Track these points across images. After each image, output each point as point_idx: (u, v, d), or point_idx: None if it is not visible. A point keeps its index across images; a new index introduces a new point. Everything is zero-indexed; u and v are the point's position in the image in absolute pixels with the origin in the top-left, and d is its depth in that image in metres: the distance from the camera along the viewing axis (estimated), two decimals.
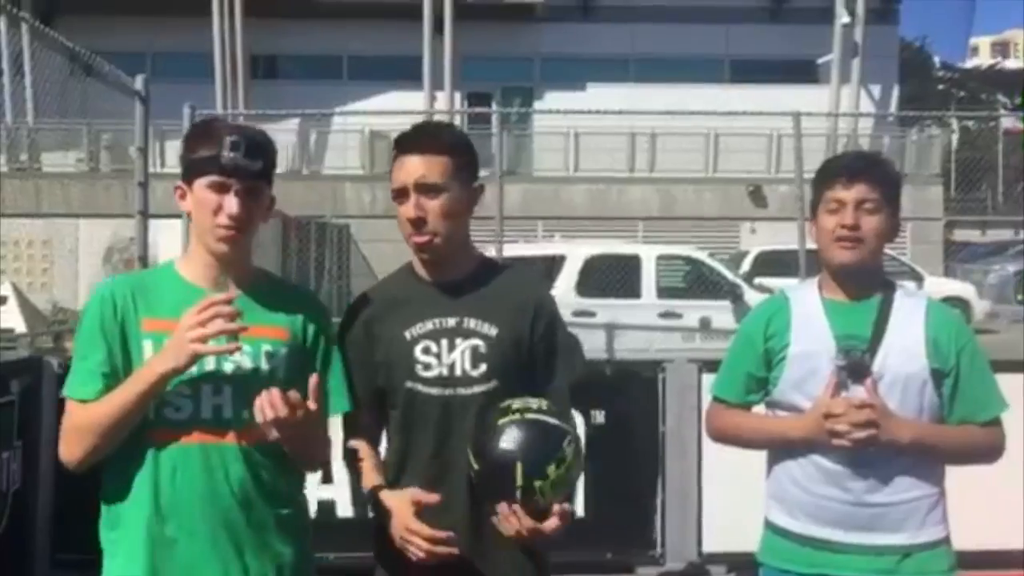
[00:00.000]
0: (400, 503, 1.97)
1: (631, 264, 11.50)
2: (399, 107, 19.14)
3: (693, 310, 11.13)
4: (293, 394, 1.83)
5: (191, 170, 1.95)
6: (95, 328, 1.91)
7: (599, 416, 4.44)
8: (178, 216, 7.79)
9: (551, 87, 23.93)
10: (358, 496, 4.41)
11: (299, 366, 1.98)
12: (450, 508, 2.01)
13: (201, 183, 1.93)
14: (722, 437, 2.44)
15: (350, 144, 21.16)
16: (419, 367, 2.06)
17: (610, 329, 10.21)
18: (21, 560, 4.40)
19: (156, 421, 1.89)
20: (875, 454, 2.14)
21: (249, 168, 1.92)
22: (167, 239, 9.21)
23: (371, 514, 2.13)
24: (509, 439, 1.88)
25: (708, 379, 4.54)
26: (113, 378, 1.89)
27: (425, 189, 2.05)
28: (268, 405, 1.79)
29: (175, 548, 1.90)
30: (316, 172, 21.48)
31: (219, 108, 19.94)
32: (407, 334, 2.06)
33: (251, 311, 1.96)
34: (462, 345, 2.06)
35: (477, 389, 2.06)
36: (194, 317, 1.81)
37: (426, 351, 2.06)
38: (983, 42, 67.35)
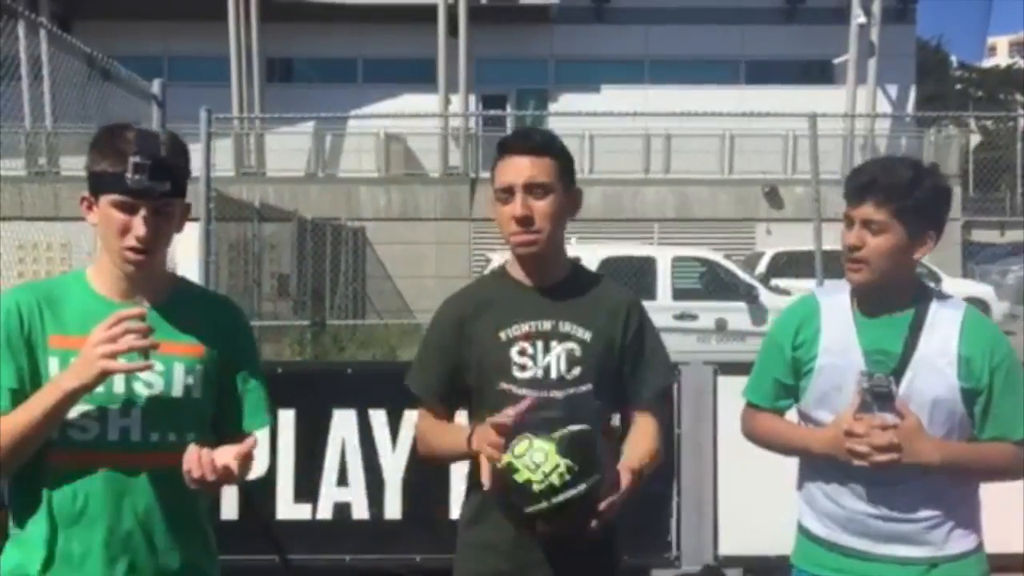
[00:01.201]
0: (484, 427, 1.97)
1: (646, 266, 11.49)
2: (414, 110, 19.24)
3: (709, 312, 11.11)
4: (221, 458, 1.76)
5: (96, 185, 1.85)
6: (1, 342, 1.82)
7: (614, 418, 4.44)
8: (195, 220, 7.85)
9: (566, 89, 23.94)
10: (373, 497, 4.45)
11: (214, 383, 1.94)
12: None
13: (106, 200, 1.84)
14: (753, 440, 2.42)
15: (365, 147, 21.23)
16: (515, 368, 2.09)
17: None
18: None
19: (60, 442, 1.81)
20: (902, 473, 2.09)
21: (155, 190, 1.82)
22: (184, 242, 9.28)
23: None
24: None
25: (724, 381, 4.56)
26: (21, 394, 1.80)
27: (533, 189, 2.08)
28: (196, 467, 1.75)
29: (71, 567, 1.83)
30: (331, 175, 21.56)
31: (235, 111, 20.06)
32: (503, 335, 2.09)
33: (163, 326, 1.87)
34: (557, 348, 2.09)
35: (571, 391, 2.09)
36: (104, 333, 1.72)
37: (522, 352, 2.09)
38: (1001, 42, 66.83)
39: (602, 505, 1.90)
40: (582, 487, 1.86)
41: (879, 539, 2.15)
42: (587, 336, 2.11)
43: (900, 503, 2.12)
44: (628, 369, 2.17)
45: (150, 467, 1.85)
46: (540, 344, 2.09)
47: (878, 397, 2.09)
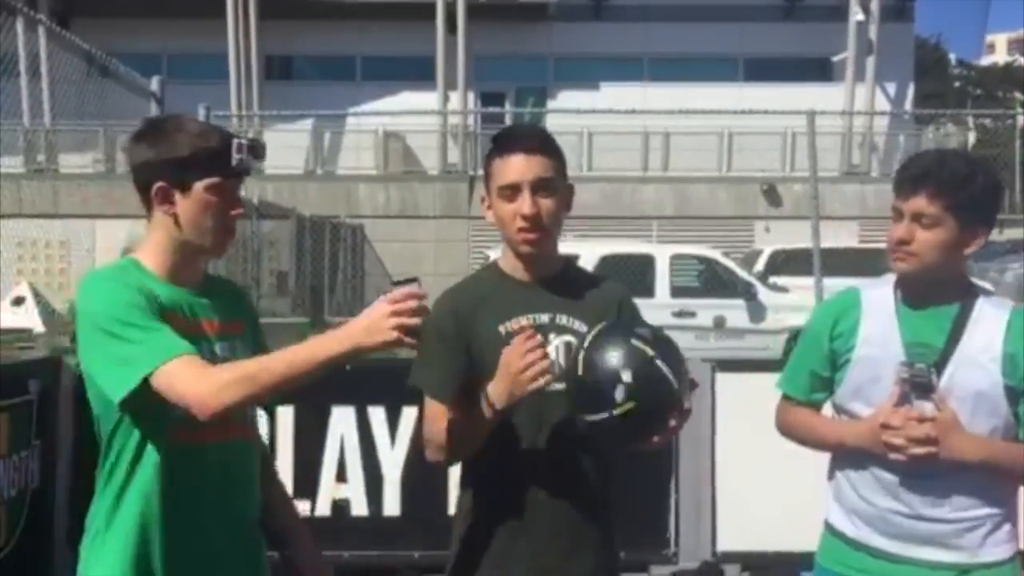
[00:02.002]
0: (499, 376, 1.96)
1: (645, 263, 11.51)
2: (413, 107, 19.23)
3: (707, 309, 11.13)
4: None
5: (188, 171, 1.87)
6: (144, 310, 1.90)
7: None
8: None
9: (564, 87, 23.93)
10: (372, 494, 4.46)
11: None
12: (538, 501, 2.06)
13: (203, 184, 1.88)
14: (786, 434, 2.36)
15: (364, 144, 21.23)
16: None
17: None
18: (39, 558, 4.44)
19: (172, 419, 1.85)
20: (939, 468, 2.04)
21: (252, 169, 1.94)
22: None
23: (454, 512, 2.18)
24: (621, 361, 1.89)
25: (722, 378, 4.58)
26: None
27: (540, 187, 2.09)
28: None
29: (199, 541, 1.90)
30: (330, 172, 21.56)
31: (233, 109, 20.04)
32: (501, 329, 2.09)
33: (215, 308, 1.96)
34: (556, 341, 2.10)
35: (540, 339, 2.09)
36: (395, 305, 1.72)
37: None
38: (1000, 39, 66.82)
39: (672, 422, 1.93)
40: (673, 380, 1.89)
41: (910, 540, 2.09)
42: (584, 328, 2.11)
43: (935, 501, 2.07)
44: None
45: (233, 439, 1.95)
46: (539, 337, 2.08)
47: (917, 388, 2.05)
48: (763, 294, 11.23)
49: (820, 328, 2.24)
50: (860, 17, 22.63)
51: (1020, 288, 19.42)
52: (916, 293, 2.15)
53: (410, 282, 1.77)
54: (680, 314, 11.11)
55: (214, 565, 1.92)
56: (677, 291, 11.52)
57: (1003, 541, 2.11)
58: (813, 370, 2.25)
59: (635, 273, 11.24)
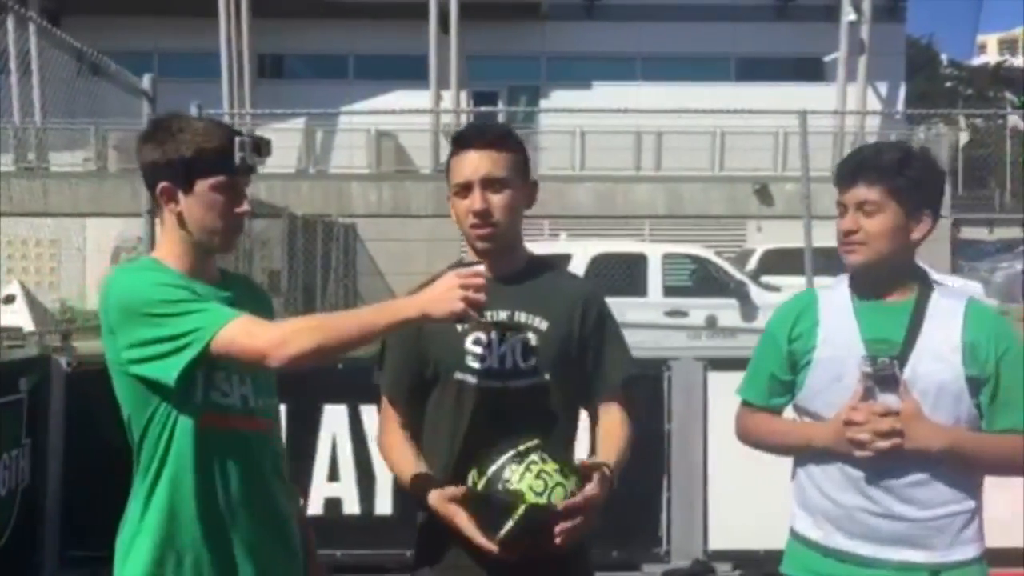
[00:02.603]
0: (448, 508, 1.99)
1: (637, 262, 11.52)
2: (405, 106, 19.19)
3: (699, 308, 11.14)
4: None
5: (192, 170, 1.90)
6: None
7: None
8: None
9: (557, 86, 23.93)
10: (364, 493, 4.46)
11: None
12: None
13: (206, 184, 1.91)
14: (748, 441, 2.34)
15: (356, 143, 21.19)
16: (469, 358, 2.08)
17: None
18: (30, 557, 4.43)
19: (206, 405, 1.90)
20: (906, 465, 2.03)
21: (256, 167, 1.96)
22: None
23: (419, 515, 2.16)
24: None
25: (714, 377, 4.59)
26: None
27: (490, 184, 2.09)
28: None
29: (226, 533, 1.92)
30: (322, 171, 21.51)
31: (225, 107, 19.99)
32: (458, 326, 2.07)
33: (240, 304, 1.99)
34: (513, 338, 2.09)
35: (526, 382, 2.08)
36: (464, 280, 1.83)
37: (477, 342, 2.08)
38: (991, 39, 67.04)
39: (558, 529, 1.91)
40: (572, 481, 1.90)
41: (880, 541, 2.07)
42: (543, 326, 2.10)
43: (904, 497, 2.05)
44: (590, 361, 2.16)
45: (262, 430, 2.00)
46: (495, 334, 2.09)
47: (882, 382, 2.05)
48: (755, 293, 11.25)
49: (778, 331, 2.24)
50: (852, 17, 22.67)
51: (1010, 287, 19.51)
52: (871, 289, 2.15)
53: (476, 264, 1.93)
54: (672, 313, 11.12)
55: (246, 553, 1.94)
56: (669, 290, 11.53)
57: (971, 540, 2.10)
58: (773, 374, 2.24)
59: (627, 272, 11.26)
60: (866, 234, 2.10)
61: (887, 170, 2.11)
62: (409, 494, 2.12)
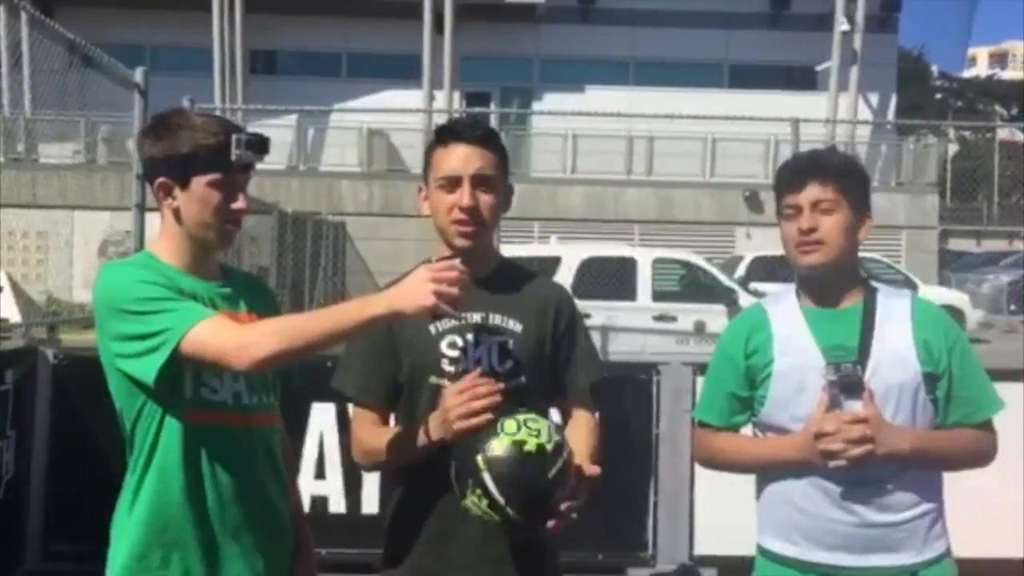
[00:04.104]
0: (438, 412, 1.93)
1: (627, 267, 11.53)
2: (398, 106, 19.20)
3: (688, 314, 11.15)
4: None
5: (189, 167, 1.90)
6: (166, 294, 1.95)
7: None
8: None
9: (550, 88, 23.96)
10: (351, 491, 4.44)
11: None
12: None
13: (203, 180, 1.90)
14: (710, 462, 2.32)
15: (348, 141, 21.16)
16: (445, 362, 2.04)
17: (605, 331, 10.23)
18: (13, 550, 4.40)
19: (195, 401, 1.89)
20: (877, 471, 2.03)
21: (255, 164, 1.96)
22: None
23: (387, 518, 2.14)
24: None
25: (702, 382, 4.59)
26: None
27: (481, 182, 2.05)
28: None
29: (214, 529, 1.91)
30: (313, 169, 21.47)
31: (217, 102, 19.92)
32: (432, 328, 2.03)
33: (238, 300, 2.00)
34: (488, 341, 2.05)
35: (503, 385, 2.02)
36: (437, 274, 1.77)
37: (452, 346, 2.04)
38: (981, 52, 67.54)
39: (564, 505, 1.87)
40: (556, 468, 1.85)
41: (859, 550, 2.07)
42: (518, 329, 2.07)
43: (880, 505, 2.06)
44: (560, 364, 2.13)
45: (255, 426, 1.98)
46: (471, 337, 2.05)
47: (847, 388, 2.04)
48: (744, 300, 11.26)
49: (732, 349, 2.21)
50: (845, 27, 22.79)
51: (996, 298, 19.64)
52: (819, 297, 2.16)
53: (451, 259, 1.85)
54: (661, 318, 11.14)
55: (235, 549, 1.93)
56: (658, 295, 11.54)
57: (939, 536, 2.12)
58: (732, 392, 2.21)
59: (617, 276, 11.27)
60: (825, 232, 2.09)
61: (837, 170, 2.13)
62: (399, 457, 2.03)
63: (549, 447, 1.83)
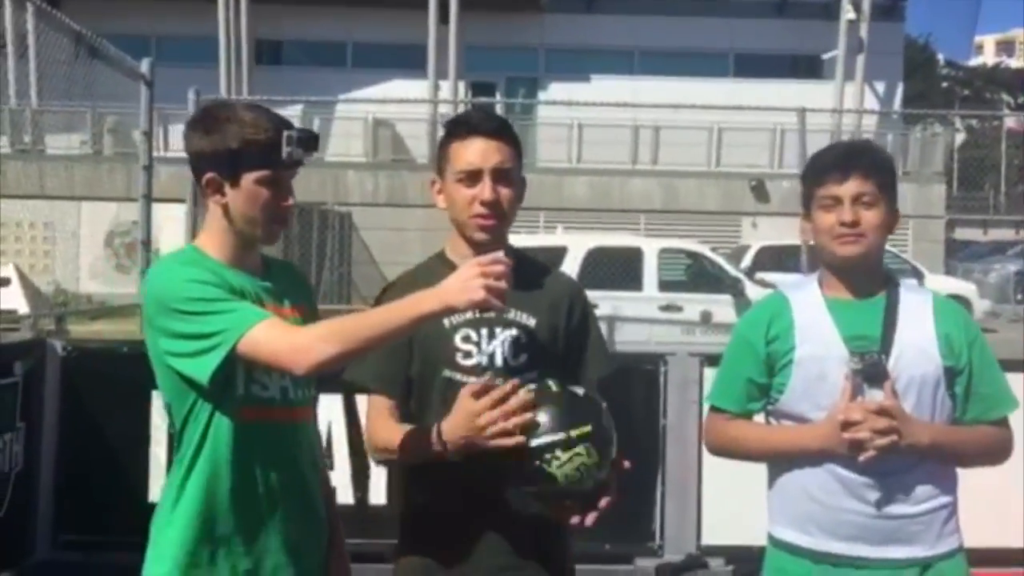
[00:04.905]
0: (456, 412, 1.90)
1: (633, 257, 11.53)
2: (403, 95, 19.15)
3: (694, 304, 11.16)
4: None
5: (238, 163, 1.88)
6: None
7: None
8: (180, 201, 7.79)
9: (555, 78, 23.90)
10: (359, 482, 4.45)
11: None
12: (499, 501, 1.99)
13: (252, 177, 1.89)
14: (723, 449, 2.29)
15: (353, 131, 21.14)
16: (459, 356, 2.04)
17: (611, 321, 10.23)
18: (23, 541, 4.42)
19: (247, 398, 1.89)
20: (894, 462, 2.03)
21: (303, 162, 1.95)
22: (170, 224, 9.23)
23: (401, 504, 2.15)
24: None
25: (710, 373, 4.58)
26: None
27: (500, 175, 2.04)
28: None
29: (261, 524, 1.91)
30: (319, 159, 21.41)
31: (223, 93, 19.92)
32: (446, 322, 2.02)
33: (281, 293, 1.99)
34: (502, 335, 2.04)
35: (516, 379, 2.00)
36: (483, 268, 1.76)
37: (466, 339, 2.04)
38: (988, 40, 67.20)
39: (603, 503, 1.90)
40: (605, 471, 1.89)
41: (873, 541, 2.06)
42: (531, 322, 2.06)
43: (898, 496, 2.06)
44: (572, 357, 2.13)
45: (300, 420, 2.00)
46: (484, 331, 2.04)
47: (871, 377, 2.03)
48: (750, 290, 11.27)
49: (753, 335, 2.19)
50: (851, 15, 22.69)
51: (1003, 288, 19.59)
52: (844, 287, 2.15)
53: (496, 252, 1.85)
54: (667, 308, 11.14)
55: (279, 544, 1.93)
56: (664, 285, 11.54)
57: (954, 531, 2.12)
58: (750, 379, 2.19)
59: (623, 267, 11.27)
60: (866, 226, 2.09)
61: (879, 165, 2.14)
62: (413, 457, 2.02)
63: (573, 484, 1.86)
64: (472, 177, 2.04)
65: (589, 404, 1.92)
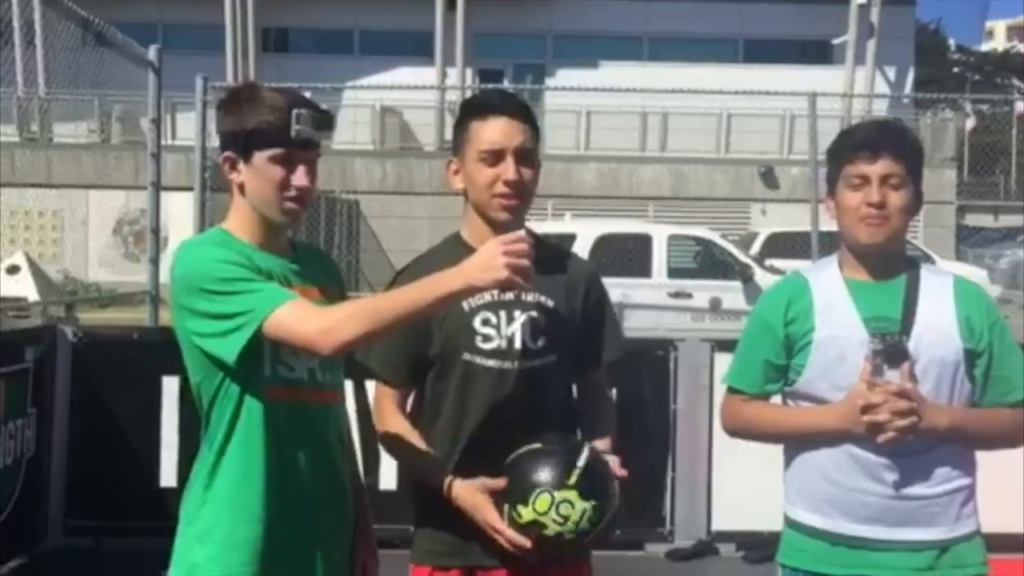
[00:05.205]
0: (477, 499, 1.94)
1: (642, 243, 11.50)
2: (410, 83, 19.11)
3: (703, 290, 11.13)
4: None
5: (250, 142, 1.90)
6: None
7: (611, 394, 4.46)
8: (189, 189, 7.79)
9: (563, 64, 23.81)
10: (368, 467, 4.45)
11: None
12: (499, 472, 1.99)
13: (264, 156, 1.90)
14: (739, 431, 2.26)
15: (360, 119, 21.11)
16: (478, 339, 2.03)
17: (620, 308, 10.15)
18: (35, 526, 4.44)
19: (273, 378, 1.89)
20: (913, 444, 2.00)
21: (316, 140, 1.94)
22: (179, 212, 9.23)
23: (412, 488, 2.15)
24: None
25: (720, 358, 4.57)
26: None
27: (523, 155, 2.03)
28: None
29: (293, 506, 1.91)
30: (326, 147, 20.67)
31: (230, 81, 19.89)
32: (465, 305, 2.01)
33: (308, 274, 1.99)
34: (521, 317, 2.03)
35: (536, 362, 2.03)
36: (507, 246, 1.75)
37: (485, 323, 2.03)
38: (999, 26, 66.61)
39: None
40: (608, 516, 1.89)
41: (890, 523, 2.04)
42: (549, 304, 2.06)
43: (916, 478, 2.03)
44: (587, 340, 2.13)
45: (329, 402, 1.99)
46: (503, 313, 2.03)
47: (891, 357, 2.01)
48: (760, 276, 11.23)
49: (772, 316, 2.17)
50: (862, 0, 22.54)
51: (1014, 274, 19.50)
52: (864, 269, 2.13)
53: (515, 232, 1.83)
54: (676, 295, 11.12)
55: (310, 524, 1.94)
56: (674, 272, 11.52)
57: (971, 514, 2.10)
58: (768, 360, 2.17)
59: (632, 253, 11.24)
60: (892, 208, 2.07)
61: (910, 147, 2.11)
62: (415, 481, 2.08)
63: (568, 536, 1.87)
64: (495, 156, 2.02)
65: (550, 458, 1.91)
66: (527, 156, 2.04)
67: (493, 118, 2.03)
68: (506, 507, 1.87)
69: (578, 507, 1.86)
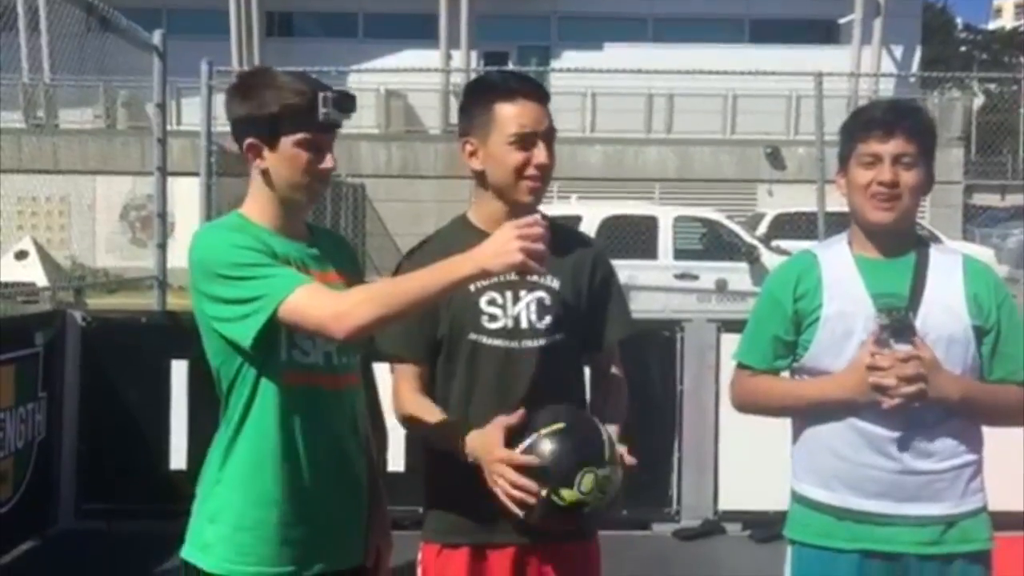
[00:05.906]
0: (488, 436, 1.92)
1: (648, 225, 11.49)
2: (415, 66, 19.07)
3: (709, 272, 11.12)
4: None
5: (278, 126, 1.89)
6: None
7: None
8: (195, 175, 7.79)
9: (568, 46, 23.71)
10: (377, 448, 4.47)
11: None
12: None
13: (291, 140, 1.89)
14: (749, 405, 2.29)
15: (365, 103, 20.96)
16: (484, 319, 2.04)
17: (627, 289, 10.10)
18: (46, 510, 4.48)
19: (289, 363, 1.90)
20: (920, 417, 2.01)
21: (341, 123, 1.94)
22: (184, 197, 9.24)
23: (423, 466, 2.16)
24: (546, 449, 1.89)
25: (727, 339, 4.59)
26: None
27: (550, 138, 2.05)
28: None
29: (305, 489, 1.92)
30: None
31: (235, 65, 19.86)
32: (471, 286, 2.00)
33: (327, 259, 1.99)
34: (527, 297, 2.05)
35: (542, 341, 2.04)
36: (521, 230, 1.76)
37: (491, 303, 2.04)
38: (1007, 3, 66.13)
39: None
40: (617, 481, 1.91)
41: (897, 498, 2.05)
42: (556, 284, 2.06)
43: (920, 451, 2.04)
44: (594, 319, 2.13)
45: (344, 387, 1.99)
46: (509, 293, 2.04)
47: (898, 332, 2.01)
48: (766, 257, 11.21)
49: (781, 292, 2.19)
50: None
51: (1021, 253, 19.42)
52: (874, 246, 2.14)
53: (529, 216, 1.83)
54: (682, 276, 11.11)
55: (321, 508, 1.95)
56: (680, 253, 11.50)
57: (978, 489, 2.11)
58: (776, 335, 2.19)
59: (638, 235, 11.22)
60: (904, 187, 2.07)
61: (923, 127, 2.11)
62: (435, 444, 2.06)
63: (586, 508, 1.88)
64: (527, 140, 2.02)
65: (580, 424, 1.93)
66: (552, 139, 2.05)
67: (521, 101, 2.03)
68: (544, 492, 1.85)
69: (615, 478, 1.89)
